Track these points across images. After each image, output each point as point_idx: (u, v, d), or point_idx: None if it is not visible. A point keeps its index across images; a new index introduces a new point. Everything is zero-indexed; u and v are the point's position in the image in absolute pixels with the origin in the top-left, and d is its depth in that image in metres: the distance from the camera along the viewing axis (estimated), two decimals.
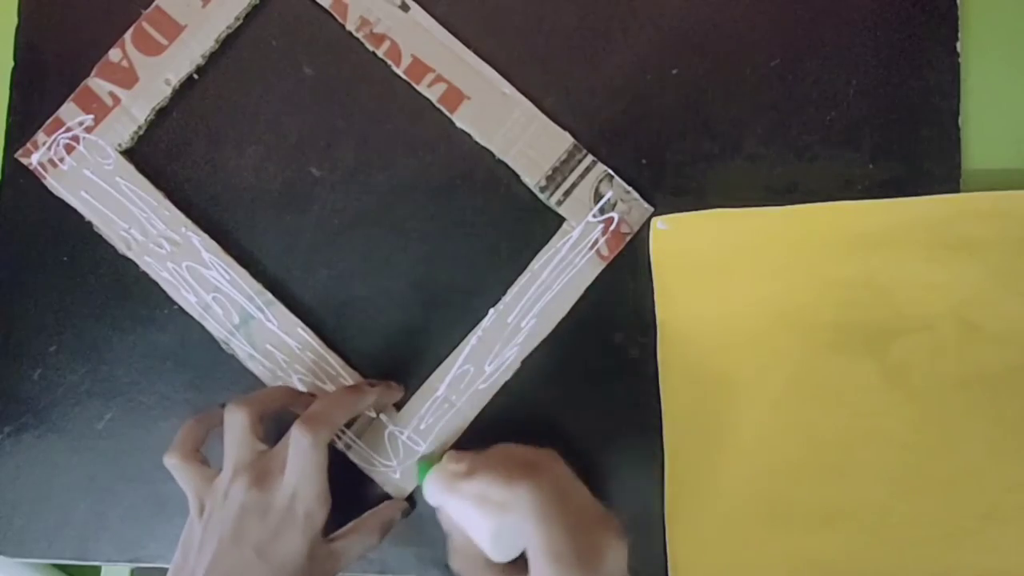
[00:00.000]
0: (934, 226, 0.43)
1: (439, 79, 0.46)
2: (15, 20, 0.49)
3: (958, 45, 0.45)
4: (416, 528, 0.45)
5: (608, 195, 0.45)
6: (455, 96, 0.46)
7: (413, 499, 0.45)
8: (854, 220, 0.44)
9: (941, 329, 0.43)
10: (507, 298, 0.45)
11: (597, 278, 0.45)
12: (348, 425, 0.45)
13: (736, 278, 0.45)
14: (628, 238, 0.45)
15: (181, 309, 0.47)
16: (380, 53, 0.46)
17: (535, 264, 0.45)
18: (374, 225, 0.47)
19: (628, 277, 0.45)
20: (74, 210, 0.47)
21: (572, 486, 0.38)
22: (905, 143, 0.45)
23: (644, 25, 0.47)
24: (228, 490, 0.40)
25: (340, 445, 0.45)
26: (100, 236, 0.47)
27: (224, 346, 0.46)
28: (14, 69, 0.49)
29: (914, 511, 0.43)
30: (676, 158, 0.46)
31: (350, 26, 0.46)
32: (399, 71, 0.46)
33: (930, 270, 0.44)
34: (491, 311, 0.45)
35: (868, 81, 0.45)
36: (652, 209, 0.45)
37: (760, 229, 0.44)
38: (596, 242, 0.45)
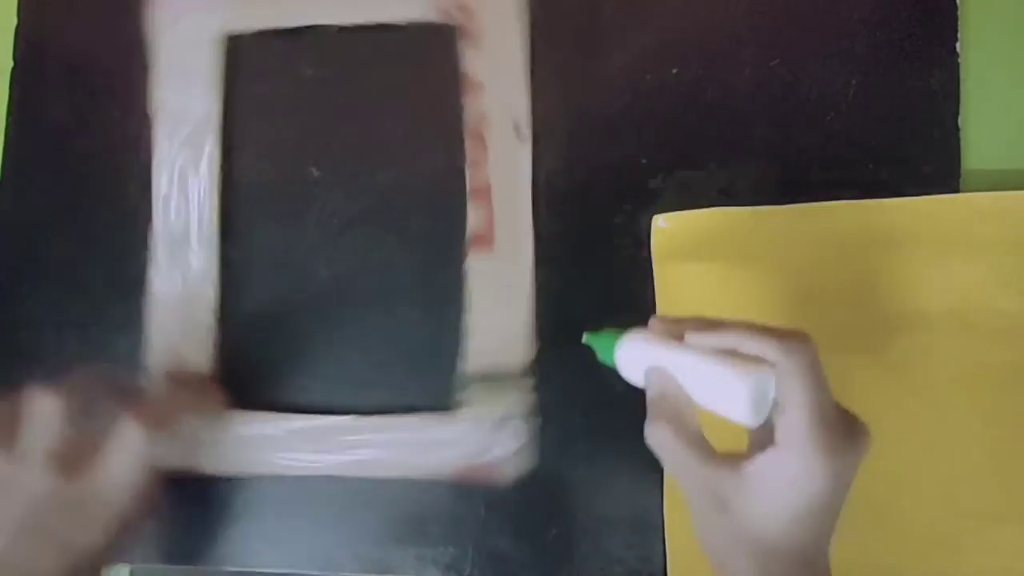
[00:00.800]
0: (934, 226, 0.43)
1: None
2: (15, 20, 0.49)
3: (958, 45, 0.45)
4: (416, 528, 0.45)
5: None
6: None
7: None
8: (854, 220, 0.44)
9: (941, 328, 0.43)
10: None
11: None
12: None
13: (736, 277, 0.45)
14: None
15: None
16: None
17: None
18: (374, 225, 0.47)
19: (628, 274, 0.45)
20: (74, 210, 0.47)
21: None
22: (905, 143, 0.45)
23: (644, 25, 0.47)
24: (21, 474, 0.37)
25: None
26: (100, 235, 0.47)
27: None
28: (14, 69, 0.49)
29: (914, 511, 0.43)
30: (676, 157, 0.46)
31: None
32: None
33: (930, 269, 0.44)
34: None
35: (868, 81, 0.45)
36: None
37: (760, 228, 0.44)
38: None
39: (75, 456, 0.38)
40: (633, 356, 0.36)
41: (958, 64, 0.45)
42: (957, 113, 0.45)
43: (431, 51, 0.47)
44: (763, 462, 0.32)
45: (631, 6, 0.47)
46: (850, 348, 0.44)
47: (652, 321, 0.37)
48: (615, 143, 0.46)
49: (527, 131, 0.46)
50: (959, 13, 0.45)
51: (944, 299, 0.43)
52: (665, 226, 0.45)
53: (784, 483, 0.32)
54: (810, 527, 0.32)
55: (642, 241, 0.45)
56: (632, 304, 0.45)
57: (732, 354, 0.33)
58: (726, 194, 0.45)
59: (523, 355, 0.45)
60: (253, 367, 0.47)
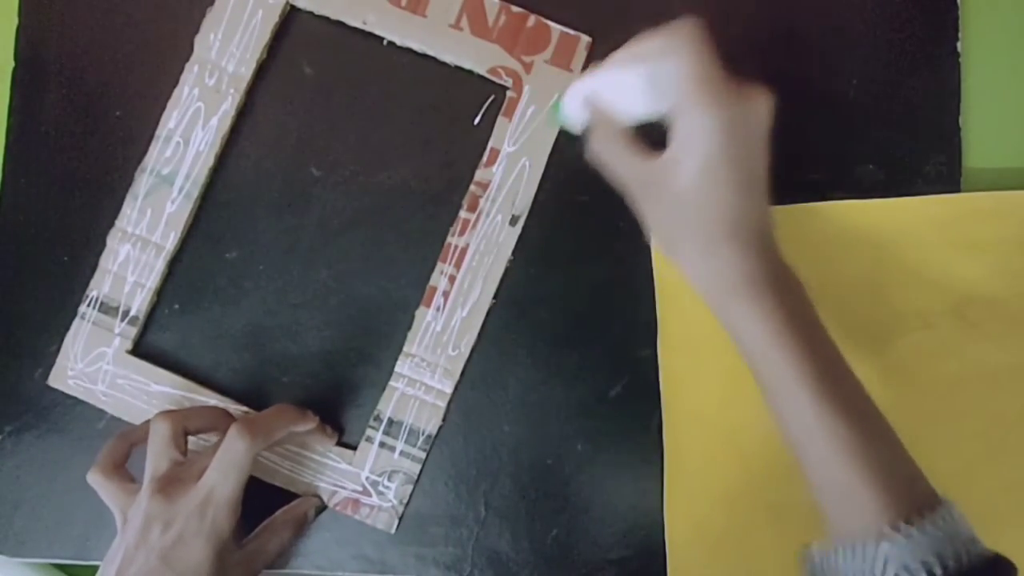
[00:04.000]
0: (934, 226, 0.43)
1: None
2: (15, 20, 0.49)
3: (958, 45, 0.45)
4: (416, 528, 0.45)
5: None
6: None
7: (321, 500, 0.46)
8: (854, 220, 0.44)
9: (941, 328, 0.43)
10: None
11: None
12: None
13: None
14: None
15: (181, 310, 0.47)
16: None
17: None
18: (374, 225, 0.47)
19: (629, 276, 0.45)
20: (74, 210, 0.47)
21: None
22: (905, 143, 0.45)
23: (644, 25, 0.46)
24: (139, 500, 0.40)
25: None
26: (100, 236, 0.47)
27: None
28: (14, 69, 0.49)
29: None
30: None
31: None
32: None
33: (930, 269, 0.44)
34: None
35: (868, 81, 0.45)
36: None
37: None
38: None
39: (180, 477, 0.40)
40: (573, 101, 0.40)
41: (958, 64, 0.45)
42: (957, 113, 0.45)
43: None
44: (673, 139, 0.36)
45: (632, 6, 0.46)
46: (850, 348, 0.44)
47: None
48: None
49: (522, 221, 0.46)
50: (959, 13, 0.45)
51: (944, 299, 0.43)
52: None
53: (683, 143, 0.35)
54: (722, 181, 0.35)
55: (642, 241, 0.45)
56: (632, 305, 0.45)
57: (640, 57, 0.37)
58: None
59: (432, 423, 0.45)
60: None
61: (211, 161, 0.46)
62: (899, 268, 0.44)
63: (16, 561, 0.48)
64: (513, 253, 0.46)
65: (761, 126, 0.36)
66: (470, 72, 0.46)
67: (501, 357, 0.46)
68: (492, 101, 0.46)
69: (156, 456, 0.41)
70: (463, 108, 0.47)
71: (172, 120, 0.46)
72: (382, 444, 0.45)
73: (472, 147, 0.46)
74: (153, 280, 0.46)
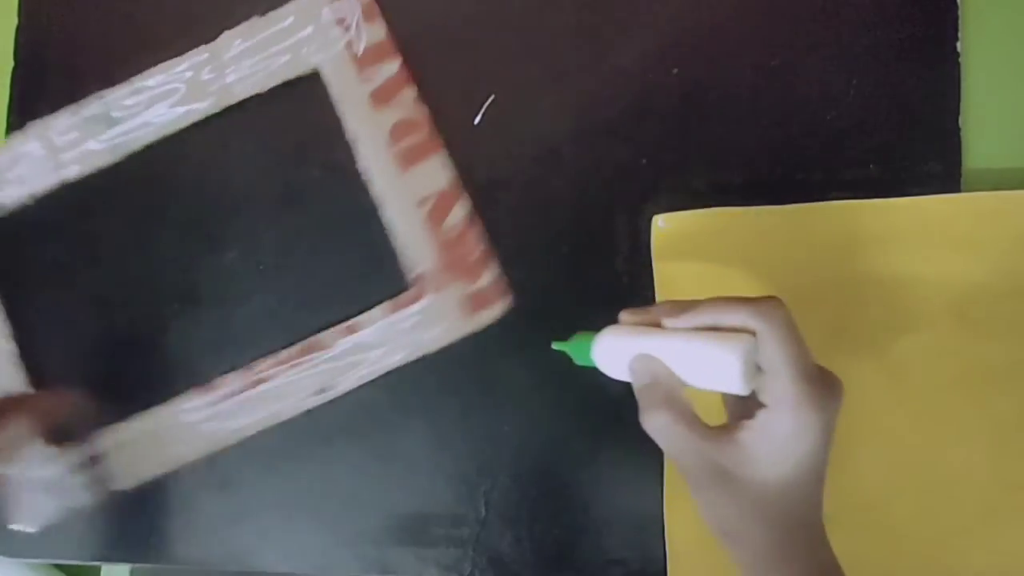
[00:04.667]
0: (935, 226, 0.43)
1: None
2: (15, 20, 0.49)
3: (958, 45, 0.45)
4: (416, 528, 0.45)
5: None
6: None
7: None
8: (854, 220, 0.44)
9: (941, 328, 0.43)
10: None
11: None
12: None
13: (736, 277, 0.45)
14: None
15: (182, 309, 0.47)
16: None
17: None
18: (374, 225, 0.47)
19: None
20: (74, 211, 0.47)
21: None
22: (905, 143, 0.45)
23: (644, 25, 0.47)
24: None
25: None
26: (100, 236, 0.47)
27: None
28: (14, 69, 0.49)
29: (914, 511, 0.43)
30: (676, 158, 0.46)
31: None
32: None
33: (930, 269, 0.44)
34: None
35: (868, 81, 0.45)
36: None
37: (760, 228, 0.44)
38: None
39: None
40: (613, 351, 0.37)
41: (958, 64, 0.45)
42: (957, 113, 0.45)
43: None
44: (757, 425, 0.33)
45: (631, 6, 0.47)
46: (850, 348, 0.44)
47: (623, 315, 0.37)
48: (615, 143, 0.46)
49: None
50: (959, 13, 0.45)
51: (944, 299, 0.43)
52: (665, 226, 0.45)
53: (780, 442, 0.33)
54: (806, 483, 0.33)
55: (642, 241, 0.45)
56: (632, 304, 0.45)
57: (713, 330, 0.34)
58: (726, 194, 0.45)
59: None
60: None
61: (150, 139, 0.46)
62: (899, 268, 0.44)
63: (16, 561, 0.48)
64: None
65: (838, 416, 0.34)
66: None
67: (500, 357, 0.46)
68: (493, 100, 0.46)
69: None
70: (464, 109, 0.47)
71: (152, 80, 0.46)
72: None
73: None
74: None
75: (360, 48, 0.46)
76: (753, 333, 0.33)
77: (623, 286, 0.45)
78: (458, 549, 0.45)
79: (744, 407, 0.34)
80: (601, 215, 0.46)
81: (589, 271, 0.46)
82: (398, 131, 0.45)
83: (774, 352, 0.32)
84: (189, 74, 0.46)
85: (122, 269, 0.48)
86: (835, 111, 0.45)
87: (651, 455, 0.44)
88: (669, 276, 0.45)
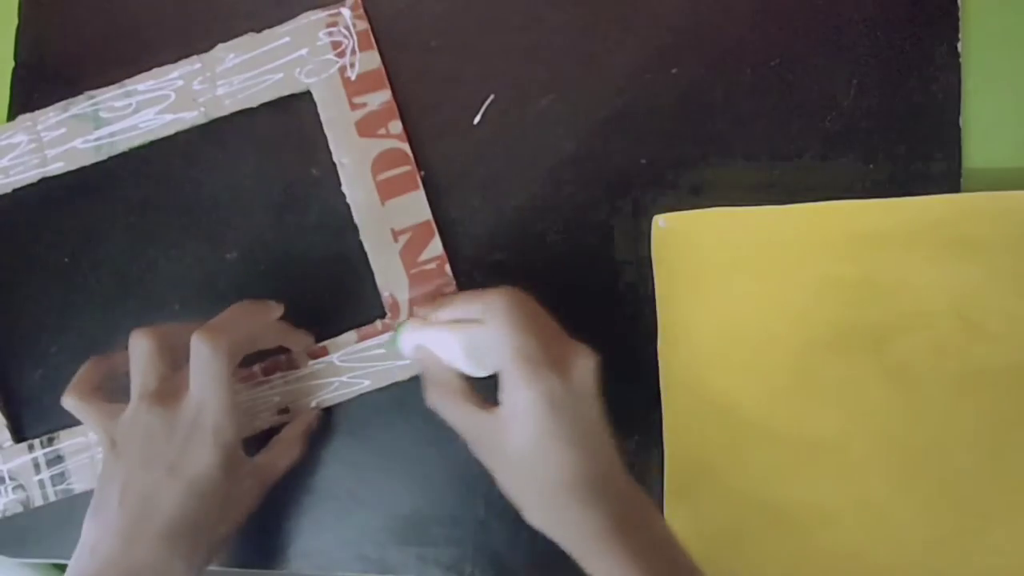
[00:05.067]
0: (934, 226, 0.43)
1: None
2: (15, 20, 0.49)
3: (958, 45, 0.45)
4: (416, 528, 0.45)
5: None
6: None
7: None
8: (854, 220, 0.44)
9: (941, 328, 0.43)
10: None
11: None
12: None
13: (736, 277, 0.45)
14: None
15: (183, 308, 0.47)
16: None
17: None
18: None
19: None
20: (74, 212, 0.47)
21: (540, 308, 0.39)
22: (905, 143, 0.45)
23: (644, 25, 0.47)
24: (133, 416, 0.39)
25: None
26: (100, 236, 0.47)
27: None
28: (14, 69, 0.49)
29: (914, 511, 0.43)
30: (676, 157, 0.46)
31: None
32: None
33: (930, 269, 0.44)
34: None
35: (868, 81, 0.45)
36: None
37: (760, 228, 0.44)
38: None
39: (172, 390, 0.39)
40: (408, 343, 0.42)
41: (958, 64, 0.45)
42: (958, 113, 0.45)
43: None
44: (501, 403, 0.37)
45: (631, 6, 0.47)
46: (850, 348, 0.44)
47: (414, 309, 0.44)
48: (615, 143, 0.46)
49: None
50: (959, 13, 0.45)
51: (944, 299, 0.43)
52: (665, 226, 0.45)
53: (515, 416, 0.36)
54: (554, 447, 0.36)
55: (642, 241, 0.45)
56: (632, 304, 0.45)
57: (459, 322, 0.39)
58: (726, 194, 0.45)
59: None
60: None
61: (136, 143, 0.46)
62: (899, 268, 0.44)
63: (16, 561, 0.48)
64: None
65: (586, 386, 0.37)
66: None
67: None
68: (493, 100, 0.46)
69: (143, 372, 0.40)
70: (464, 109, 0.47)
71: (143, 85, 0.46)
72: None
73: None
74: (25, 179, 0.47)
75: (353, 74, 0.46)
76: (482, 322, 0.38)
77: (623, 286, 0.45)
78: (458, 549, 0.45)
79: None
80: (601, 215, 0.46)
81: (589, 271, 0.46)
82: (382, 161, 0.46)
83: (493, 337, 0.37)
84: (180, 83, 0.46)
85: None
86: (835, 111, 0.45)
87: (650, 456, 0.45)
88: (669, 276, 0.45)
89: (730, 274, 0.45)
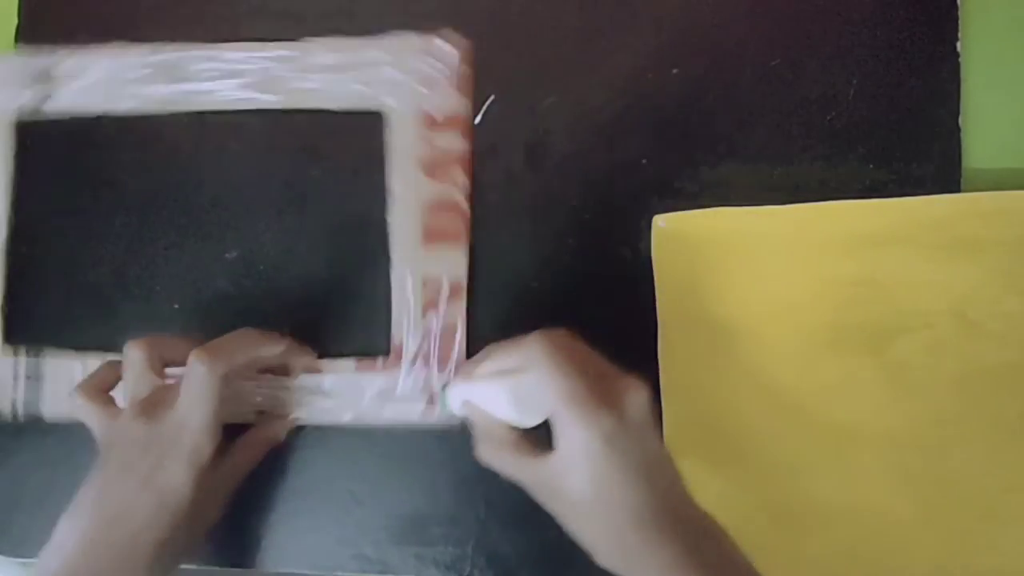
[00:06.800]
0: (934, 226, 0.44)
1: None
2: (15, 20, 0.49)
3: (958, 45, 0.45)
4: (416, 528, 0.45)
5: None
6: None
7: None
8: (854, 220, 0.44)
9: (941, 328, 0.43)
10: None
11: None
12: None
13: (736, 277, 0.45)
14: None
15: (183, 308, 0.47)
16: None
17: None
18: (374, 225, 0.47)
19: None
20: (74, 212, 0.47)
21: (582, 345, 0.38)
22: (905, 143, 0.45)
23: (644, 25, 0.47)
24: (120, 425, 0.40)
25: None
26: (100, 236, 0.47)
27: None
28: None
29: (914, 511, 0.43)
30: (676, 157, 0.46)
31: None
32: None
33: (930, 269, 0.44)
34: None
35: (868, 81, 0.45)
36: None
37: (760, 228, 0.44)
38: None
39: (160, 401, 0.40)
40: (452, 398, 0.42)
41: (958, 64, 0.45)
42: (957, 113, 0.45)
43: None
44: (556, 449, 0.36)
45: (631, 6, 0.47)
46: (850, 348, 0.44)
47: (461, 367, 0.44)
48: (615, 143, 0.46)
49: None
50: (959, 13, 0.45)
51: (944, 299, 0.43)
52: (665, 226, 0.45)
53: (572, 461, 0.36)
54: (615, 489, 0.35)
55: (642, 241, 0.45)
56: (632, 304, 0.45)
57: (504, 373, 0.38)
58: (726, 194, 0.45)
59: None
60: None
61: (208, 108, 0.46)
62: (899, 268, 0.44)
63: (16, 561, 0.48)
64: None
65: (640, 419, 0.36)
66: None
67: None
68: (493, 100, 0.46)
69: (134, 381, 0.41)
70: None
71: (232, 54, 0.46)
72: None
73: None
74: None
75: (435, 111, 0.45)
76: (525, 370, 0.37)
77: (623, 286, 0.45)
78: (458, 549, 0.45)
79: None
80: (601, 215, 0.46)
81: (589, 271, 0.46)
82: (437, 206, 0.45)
83: (538, 384, 0.36)
84: (268, 64, 0.46)
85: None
86: (835, 111, 0.45)
87: None
88: (669, 276, 0.45)
89: (730, 274, 0.45)
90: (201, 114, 0.47)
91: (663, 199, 0.45)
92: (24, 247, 0.48)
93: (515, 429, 0.39)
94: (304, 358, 0.45)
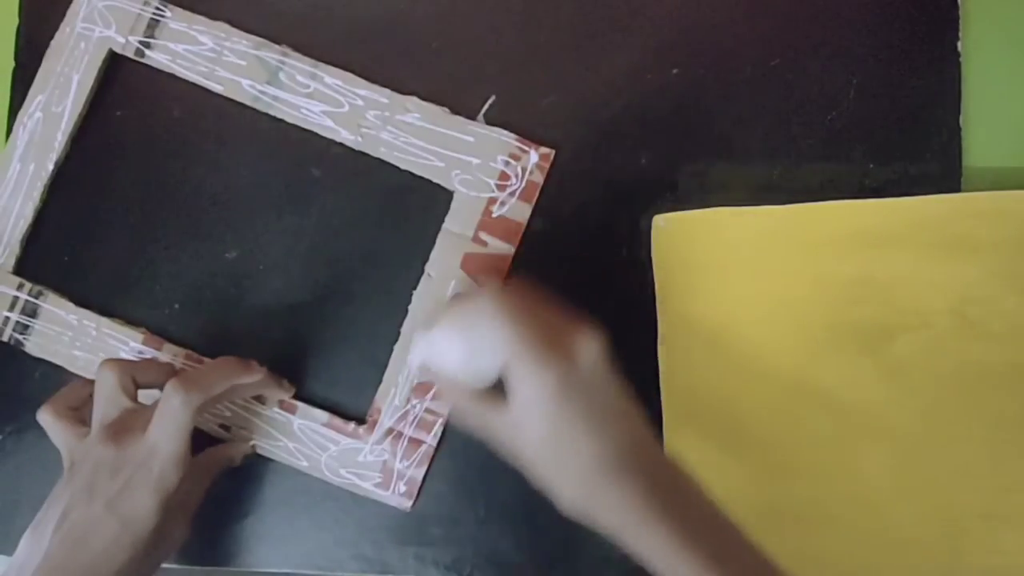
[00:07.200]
0: (934, 226, 0.44)
1: None
2: (15, 20, 0.49)
3: (958, 45, 0.45)
4: (416, 528, 0.45)
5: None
6: None
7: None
8: (854, 220, 0.44)
9: (940, 327, 0.43)
10: None
11: None
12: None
13: (736, 276, 0.45)
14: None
15: (183, 308, 0.47)
16: None
17: None
18: (374, 225, 0.47)
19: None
20: (74, 212, 0.47)
21: (536, 295, 0.37)
22: (905, 143, 0.45)
23: (644, 25, 0.47)
24: (88, 446, 0.40)
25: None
26: (100, 236, 0.47)
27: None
28: (14, 69, 0.49)
29: (914, 510, 0.43)
30: (676, 157, 0.46)
31: None
32: None
33: (930, 269, 0.44)
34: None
35: (868, 81, 0.45)
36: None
37: (760, 228, 0.44)
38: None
39: (130, 425, 0.40)
40: (413, 354, 0.40)
41: (959, 64, 0.45)
42: (957, 113, 0.45)
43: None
44: (511, 400, 0.36)
45: (631, 6, 0.47)
46: (849, 347, 0.44)
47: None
48: (615, 143, 0.46)
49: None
50: (959, 13, 0.45)
51: (943, 298, 0.43)
52: (665, 226, 0.45)
53: (527, 409, 0.35)
54: (572, 434, 0.35)
55: (642, 241, 0.45)
56: (632, 304, 0.45)
57: (461, 326, 0.37)
58: (727, 194, 0.45)
59: None
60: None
61: (288, 121, 0.46)
62: (898, 267, 0.44)
63: None
64: (514, 255, 0.46)
65: (596, 365, 0.36)
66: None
67: None
68: (493, 100, 0.46)
69: (104, 403, 0.40)
70: (464, 109, 0.47)
71: (331, 79, 0.46)
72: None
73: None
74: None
75: (497, 212, 0.45)
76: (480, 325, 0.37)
77: (623, 286, 0.45)
78: (458, 549, 0.45)
79: None
80: (601, 215, 0.46)
81: (589, 271, 0.46)
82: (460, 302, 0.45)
83: (489, 337, 0.36)
84: (360, 103, 0.46)
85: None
86: (835, 111, 0.45)
87: None
88: (669, 276, 0.45)
89: (730, 274, 0.45)
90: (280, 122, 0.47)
91: (663, 199, 0.45)
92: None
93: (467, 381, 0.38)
94: (280, 392, 0.45)
